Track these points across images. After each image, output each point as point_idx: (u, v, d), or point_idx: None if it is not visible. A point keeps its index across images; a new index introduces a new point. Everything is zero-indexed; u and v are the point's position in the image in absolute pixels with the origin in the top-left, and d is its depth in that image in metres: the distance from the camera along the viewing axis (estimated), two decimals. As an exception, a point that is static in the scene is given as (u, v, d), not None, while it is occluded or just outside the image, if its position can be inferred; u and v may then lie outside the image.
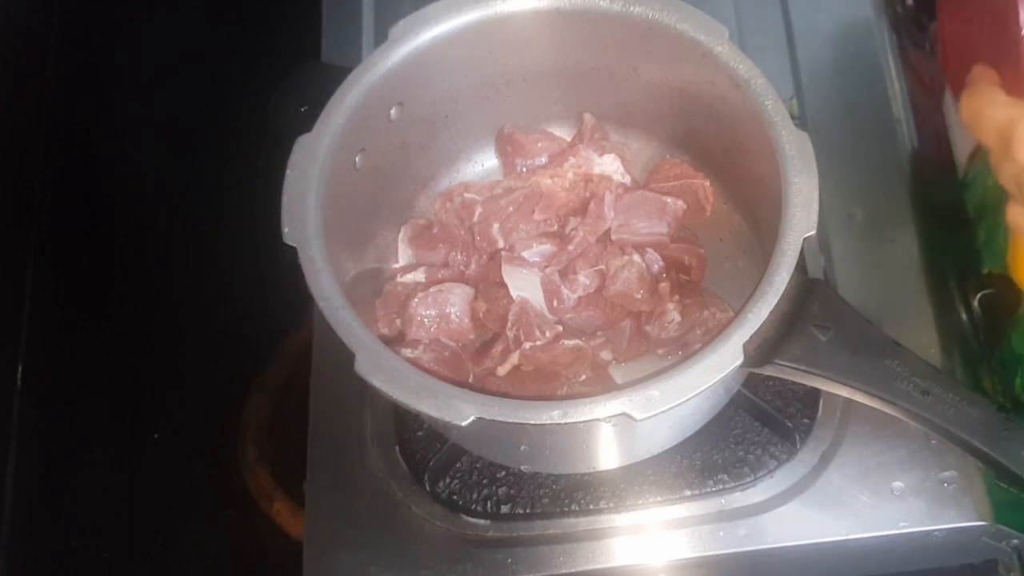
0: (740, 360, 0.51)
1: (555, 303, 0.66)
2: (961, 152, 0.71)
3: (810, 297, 0.56)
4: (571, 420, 0.50)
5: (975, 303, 0.67)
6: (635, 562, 0.64)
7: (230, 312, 0.89)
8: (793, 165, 0.56)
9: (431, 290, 0.66)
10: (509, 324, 0.65)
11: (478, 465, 0.67)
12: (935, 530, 0.62)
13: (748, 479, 0.65)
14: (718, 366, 0.51)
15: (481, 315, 0.66)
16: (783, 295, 0.52)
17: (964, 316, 0.68)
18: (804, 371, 0.55)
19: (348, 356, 0.53)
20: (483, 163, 0.74)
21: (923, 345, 0.66)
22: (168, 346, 0.88)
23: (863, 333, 0.56)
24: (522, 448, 0.62)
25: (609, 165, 0.70)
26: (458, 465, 0.67)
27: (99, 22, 0.89)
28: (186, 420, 0.87)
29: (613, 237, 0.68)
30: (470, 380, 0.65)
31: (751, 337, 0.52)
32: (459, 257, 0.69)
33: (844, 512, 0.63)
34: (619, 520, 0.65)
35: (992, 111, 0.54)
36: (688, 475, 0.65)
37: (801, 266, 0.57)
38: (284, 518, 0.85)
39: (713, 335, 0.54)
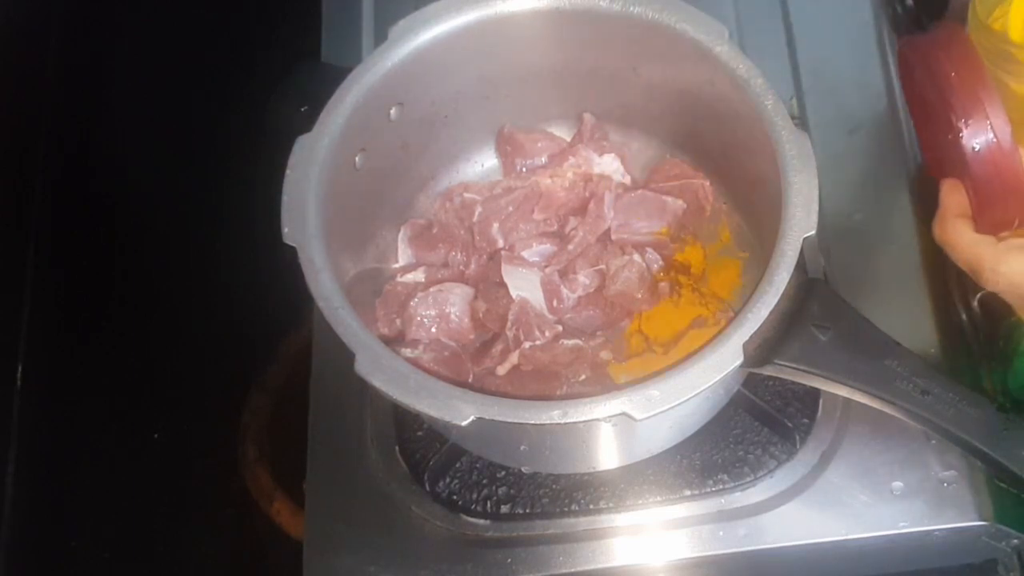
0: (740, 360, 0.51)
1: (555, 303, 0.66)
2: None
3: (810, 297, 0.56)
4: (571, 420, 0.50)
5: (975, 303, 0.67)
6: (635, 562, 0.64)
7: (230, 312, 0.89)
8: (793, 165, 0.56)
9: (431, 290, 0.66)
10: (509, 324, 0.65)
11: (478, 465, 0.67)
12: (935, 530, 0.62)
13: (748, 479, 0.65)
14: (718, 366, 0.51)
15: (481, 315, 0.66)
16: (783, 295, 0.52)
17: (964, 316, 0.67)
18: (804, 371, 0.55)
19: (348, 356, 0.53)
20: (483, 163, 0.74)
21: (923, 345, 0.66)
22: (168, 346, 0.88)
23: (863, 333, 0.56)
24: (522, 448, 0.62)
25: (609, 165, 0.70)
26: (458, 465, 0.67)
27: (99, 22, 0.89)
28: (186, 420, 0.87)
29: (613, 237, 0.68)
30: (470, 380, 0.65)
31: (751, 337, 0.52)
32: (459, 257, 0.69)
33: (844, 512, 0.63)
34: (619, 520, 0.65)
35: (960, 249, 0.57)
36: (688, 475, 0.65)
37: (801, 266, 0.57)
38: (284, 518, 0.85)
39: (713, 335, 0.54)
